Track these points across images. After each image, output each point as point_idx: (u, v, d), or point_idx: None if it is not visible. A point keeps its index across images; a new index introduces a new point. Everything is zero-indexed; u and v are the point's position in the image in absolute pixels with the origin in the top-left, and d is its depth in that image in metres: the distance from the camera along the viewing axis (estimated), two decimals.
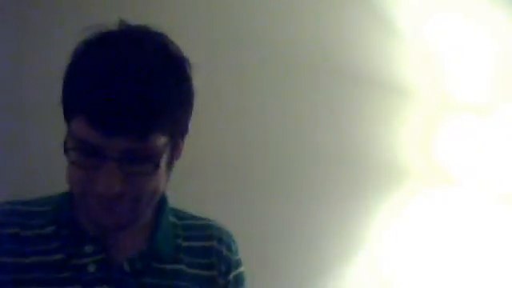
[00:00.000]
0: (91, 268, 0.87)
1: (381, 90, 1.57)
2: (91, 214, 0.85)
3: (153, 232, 0.93)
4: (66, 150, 0.81)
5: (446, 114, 1.55)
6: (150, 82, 0.79)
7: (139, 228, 0.92)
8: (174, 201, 0.99)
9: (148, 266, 0.90)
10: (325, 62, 1.57)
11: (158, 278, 0.90)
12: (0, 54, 1.47)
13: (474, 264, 1.51)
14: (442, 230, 1.54)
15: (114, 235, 0.90)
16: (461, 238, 1.52)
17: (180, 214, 1.00)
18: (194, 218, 1.01)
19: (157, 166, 0.82)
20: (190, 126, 0.90)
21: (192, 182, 1.38)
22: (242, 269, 1.02)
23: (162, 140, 0.81)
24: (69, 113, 0.82)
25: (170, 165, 0.87)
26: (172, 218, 0.98)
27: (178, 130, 0.86)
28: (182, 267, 0.93)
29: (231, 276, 0.98)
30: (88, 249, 0.88)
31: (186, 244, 0.96)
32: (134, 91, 0.77)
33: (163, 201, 0.96)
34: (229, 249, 1.00)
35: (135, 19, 0.87)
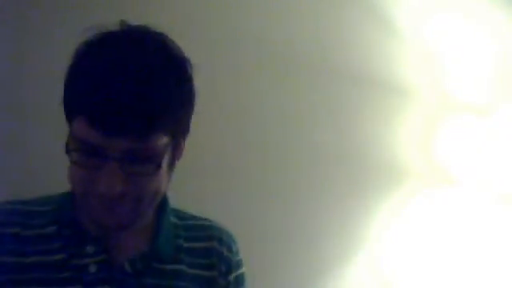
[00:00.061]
0: (92, 268, 0.87)
1: (381, 90, 1.57)
2: (93, 214, 0.85)
3: (154, 233, 0.93)
4: (67, 151, 0.81)
5: (446, 114, 1.55)
6: (151, 82, 0.79)
7: (140, 228, 0.92)
8: (174, 201, 0.99)
9: (149, 267, 0.90)
10: (324, 61, 1.57)
11: (158, 278, 0.91)
12: (0, 54, 1.47)
13: (474, 264, 1.51)
14: (442, 230, 1.54)
15: (116, 235, 0.90)
16: (461, 238, 1.52)
17: (181, 215, 1.00)
18: (194, 218, 1.01)
19: (158, 166, 0.82)
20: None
21: (192, 182, 1.38)
22: (242, 269, 1.02)
23: (163, 140, 0.81)
24: (70, 113, 0.82)
25: (171, 165, 0.87)
26: (173, 219, 0.98)
27: (179, 130, 0.86)
28: (183, 267, 0.93)
29: (232, 276, 0.98)
30: (89, 249, 0.88)
31: (186, 244, 0.96)
32: (135, 91, 0.77)
33: (164, 201, 0.96)
34: (229, 249, 1.00)
35: (135, 19, 0.87)
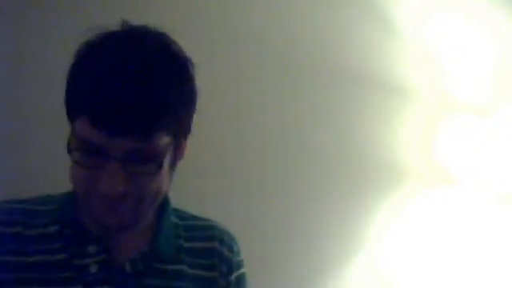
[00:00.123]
0: (93, 268, 0.87)
1: (381, 90, 1.57)
2: (94, 213, 0.85)
3: (155, 233, 0.93)
4: (69, 150, 0.82)
5: (446, 114, 1.55)
6: (153, 82, 0.79)
7: (141, 229, 0.92)
8: (174, 201, 0.99)
9: (149, 267, 0.90)
10: (324, 61, 1.57)
11: (159, 278, 0.91)
12: (0, 54, 1.47)
13: (474, 264, 1.51)
14: (441, 230, 1.54)
15: (117, 235, 0.90)
16: (461, 238, 1.52)
17: (182, 215, 1.00)
18: (195, 218, 1.01)
19: (160, 166, 0.82)
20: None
21: (192, 182, 1.38)
22: (243, 270, 1.02)
23: (165, 140, 0.81)
24: (72, 113, 0.82)
25: (173, 165, 0.88)
26: (174, 219, 0.98)
27: (181, 130, 0.86)
28: (184, 268, 0.93)
29: (232, 277, 0.98)
30: (91, 249, 0.88)
31: (187, 245, 0.96)
32: (136, 91, 0.77)
33: (165, 202, 0.97)
34: (230, 250, 1.00)
35: (135, 19, 0.87)
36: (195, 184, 1.43)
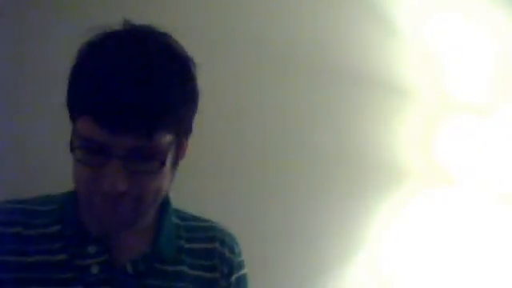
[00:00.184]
0: (94, 269, 0.87)
1: (381, 90, 1.57)
2: (95, 212, 0.85)
3: (156, 233, 0.93)
4: (72, 149, 0.82)
5: (446, 114, 1.55)
6: (155, 80, 0.80)
7: (142, 229, 0.92)
8: (174, 201, 0.99)
9: (150, 268, 0.90)
10: (324, 62, 1.57)
11: (160, 279, 0.91)
12: (0, 54, 1.47)
13: (474, 264, 1.51)
14: (441, 230, 1.54)
15: (117, 235, 0.90)
16: (461, 238, 1.52)
17: (183, 215, 1.00)
18: (196, 219, 1.01)
19: (162, 163, 0.82)
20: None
21: (192, 182, 1.38)
22: (244, 271, 1.02)
23: (167, 138, 0.82)
24: (74, 112, 0.83)
25: (174, 164, 0.88)
26: (175, 219, 0.98)
27: (182, 129, 0.86)
28: (184, 269, 0.93)
29: (233, 278, 0.98)
30: (91, 249, 0.88)
31: (188, 245, 0.96)
32: (138, 90, 0.78)
33: (166, 202, 0.97)
34: (231, 251, 1.00)
35: (135, 19, 0.87)
36: (195, 184, 1.43)
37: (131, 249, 0.90)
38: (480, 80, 1.56)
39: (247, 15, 1.56)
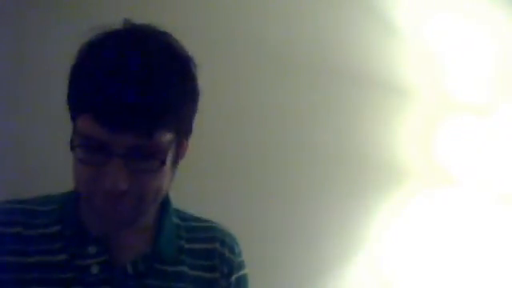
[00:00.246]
0: (94, 269, 0.87)
1: (381, 90, 1.57)
2: (96, 211, 0.85)
3: (156, 234, 0.93)
4: (72, 148, 0.82)
5: (446, 114, 1.55)
6: (155, 79, 0.80)
7: (142, 229, 0.92)
8: (174, 201, 0.99)
9: (150, 268, 0.90)
10: (324, 62, 1.57)
11: (160, 279, 0.90)
12: (0, 54, 1.47)
13: (474, 264, 1.51)
14: (442, 230, 1.54)
15: (117, 235, 0.90)
16: (461, 238, 1.52)
17: (183, 216, 1.00)
18: (197, 219, 1.01)
19: (163, 162, 0.82)
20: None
21: (192, 182, 1.38)
22: (244, 271, 1.02)
23: (167, 137, 0.82)
24: (75, 111, 0.83)
25: (174, 164, 0.88)
26: (175, 220, 0.98)
27: (182, 128, 0.86)
28: (184, 269, 0.93)
29: (233, 278, 0.98)
30: (91, 250, 0.88)
31: (188, 246, 0.96)
32: (138, 88, 0.78)
33: (167, 202, 0.97)
34: (231, 251, 0.99)
35: (135, 19, 0.87)
36: (195, 184, 1.43)
37: (131, 249, 0.90)
38: (480, 80, 1.56)
39: (247, 15, 1.56)
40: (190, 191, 1.28)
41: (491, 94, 1.55)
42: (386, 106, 1.57)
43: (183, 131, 0.87)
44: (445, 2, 1.57)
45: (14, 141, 1.45)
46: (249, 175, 1.55)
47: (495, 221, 1.52)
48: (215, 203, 1.36)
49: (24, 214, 0.90)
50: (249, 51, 1.55)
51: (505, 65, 1.55)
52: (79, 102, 0.82)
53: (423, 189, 1.56)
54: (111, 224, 0.87)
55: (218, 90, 1.48)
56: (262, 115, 1.56)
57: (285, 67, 1.56)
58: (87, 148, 0.81)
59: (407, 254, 1.56)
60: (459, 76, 1.57)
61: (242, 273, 1.01)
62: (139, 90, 0.78)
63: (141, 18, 0.87)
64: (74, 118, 0.83)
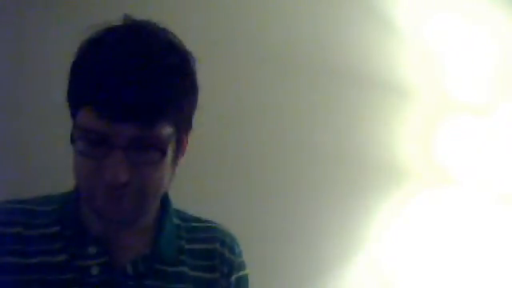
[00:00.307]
0: (94, 270, 0.87)
1: (380, 90, 1.57)
2: (96, 212, 0.85)
3: (156, 234, 0.93)
4: (72, 140, 0.82)
5: (446, 114, 1.55)
6: (156, 70, 0.80)
7: (142, 229, 0.92)
8: (174, 201, 0.99)
9: (150, 269, 0.90)
10: (324, 62, 1.57)
11: (160, 280, 0.90)
12: (0, 54, 1.47)
13: (474, 264, 1.51)
14: (441, 230, 1.54)
15: (117, 235, 0.90)
16: (461, 238, 1.52)
17: (183, 216, 1.00)
18: (197, 220, 1.01)
19: (163, 153, 0.82)
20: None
21: (192, 182, 1.38)
22: (245, 271, 1.02)
23: (167, 130, 0.82)
24: (75, 105, 0.83)
25: (175, 160, 0.88)
26: (176, 220, 0.98)
27: (182, 122, 0.87)
28: (185, 269, 0.93)
29: (233, 278, 0.98)
30: (91, 250, 0.88)
31: (188, 246, 0.96)
32: (139, 79, 0.78)
33: (167, 202, 0.97)
34: (232, 251, 0.99)
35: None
36: (195, 184, 1.43)
37: (131, 249, 0.90)
38: (480, 80, 1.56)
39: (247, 15, 1.56)
40: (190, 191, 1.28)
41: (491, 94, 1.55)
42: (386, 105, 1.58)
43: (183, 126, 0.88)
44: (445, 1, 1.57)
45: (14, 141, 1.45)
46: (249, 175, 1.55)
47: (495, 221, 1.52)
48: (215, 203, 1.36)
49: (24, 214, 0.90)
50: (249, 51, 1.55)
51: (505, 65, 1.55)
52: (79, 95, 0.82)
53: (423, 189, 1.56)
54: (112, 224, 0.87)
55: (218, 90, 1.48)
56: (262, 115, 1.56)
57: (285, 67, 1.56)
58: (88, 141, 0.81)
59: (407, 254, 1.56)
60: (459, 76, 1.57)
61: (242, 273, 1.01)
62: (139, 81, 0.78)
63: (141, 17, 0.87)
64: (74, 115, 0.83)
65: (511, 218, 1.52)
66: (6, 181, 1.42)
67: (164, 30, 0.87)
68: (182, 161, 0.91)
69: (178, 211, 1.00)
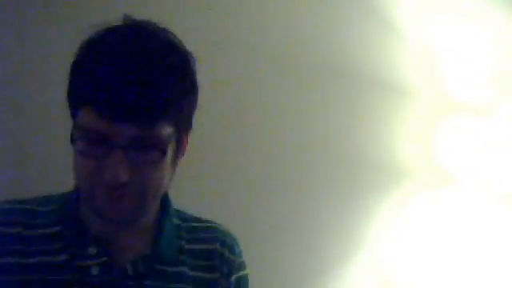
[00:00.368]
0: (94, 271, 0.87)
1: (380, 90, 1.57)
2: (96, 212, 0.85)
3: (156, 234, 0.93)
4: (72, 140, 0.82)
5: (446, 114, 1.55)
6: (156, 70, 0.80)
7: (142, 230, 0.92)
8: (174, 201, 0.99)
9: (150, 269, 0.90)
10: (324, 62, 1.57)
11: (160, 280, 0.90)
12: (0, 54, 1.47)
13: (475, 264, 1.51)
14: (441, 230, 1.54)
15: (117, 235, 0.90)
16: (461, 238, 1.52)
17: (184, 216, 1.00)
18: (197, 220, 1.01)
19: (163, 153, 0.82)
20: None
21: (192, 182, 1.38)
22: (245, 272, 1.02)
23: (167, 130, 0.82)
24: (75, 105, 0.83)
25: (175, 159, 0.88)
26: (176, 220, 0.97)
27: (182, 122, 0.87)
28: (185, 270, 0.93)
29: (233, 278, 0.98)
30: (91, 250, 0.87)
31: (188, 246, 0.96)
32: (139, 80, 0.78)
33: (167, 202, 0.97)
34: (232, 251, 0.99)
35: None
36: (195, 184, 1.43)
37: (131, 250, 0.90)
38: (480, 80, 1.56)
39: (247, 15, 1.56)
40: (190, 191, 1.28)
41: (491, 93, 1.55)
42: (386, 105, 1.58)
43: (183, 126, 0.88)
44: (445, 2, 1.57)
45: (14, 141, 1.45)
46: (249, 175, 1.55)
47: (495, 221, 1.52)
48: (215, 203, 1.36)
49: (24, 215, 0.90)
50: (249, 51, 1.55)
51: (505, 65, 1.55)
52: (80, 95, 0.82)
53: (423, 189, 1.56)
54: (112, 224, 0.87)
55: (218, 90, 1.48)
56: (261, 115, 1.56)
57: (285, 67, 1.56)
58: (88, 141, 0.81)
59: (407, 254, 1.56)
60: (459, 76, 1.57)
61: (242, 273, 1.01)
62: (139, 81, 0.78)
63: (141, 18, 0.87)
64: (74, 115, 0.83)
65: (511, 218, 1.52)
66: (5, 181, 1.42)
67: (164, 30, 0.87)
68: (182, 161, 0.91)
69: (178, 211, 1.00)
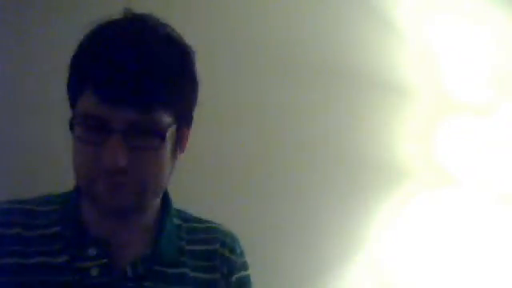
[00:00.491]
0: (94, 272, 0.87)
1: (380, 90, 1.57)
2: (96, 195, 0.84)
3: (157, 235, 0.93)
4: (71, 126, 0.82)
5: (446, 114, 1.55)
6: (155, 58, 0.81)
7: (143, 230, 0.92)
8: (174, 201, 0.99)
9: (150, 270, 0.90)
10: (324, 62, 1.57)
11: (160, 281, 0.90)
12: (0, 54, 1.46)
13: (475, 264, 1.51)
14: (441, 230, 1.54)
15: (117, 235, 0.89)
16: (461, 238, 1.52)
17: (184, 216, 1.00)
18: (198, 220, 1.01)
19: (162, 139, 0.82)
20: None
21: (192, 182, 1.38)
22: (246, 272, 1.02)
23: (166, 118, 0.83)
24: (76, 91, 0.83)
25: (174, 153, 0.88)
26: (176, 221, 0.97)
27: (182, 113, 0.87)
28: (185, 271, 0.93)
29: (234, 278, 0.98)
30: (91, 251, 0.87)
31: (189, 247, 0.96)
32: (139, 65, 0.79)
33: (167, 203, 0.97)
34: (232, 251, 0.99)
35: None
36: (195, 184, 1.43)
37: (131, 250, 0.90)
38: (480, 80, 1.56)
39: (247, 15, 1.56)
40: (190, 191, 1.28)
41: (491, 93, 1.55)
42: (386, 105, 1.57)
43: (183, 118, 0.88)
44: (445, 2, 1.57)
45: (14, 141, 1.45)
46: (249, 175, 1.55)
47: (495, 221, 1.52)
48: (215, 203, 1.36)
49: (23, 215, 0.90)
50: (249, 51, 1.55)
51: (505, 65, 1.55)
52: (80, 81, 0.82)
53: (423, 189, 1.56)
54: (111, 216, 0.87)
55: (218, 90, 1.48)
56: (261, 115, 1.56)
57: (285, 67, 1.56)
58: (86, 127, 0.81)
59: (407, 254, 1.56)
60: (459, 76, 1.57)
61: (243, 273, 1.01)
62: (139, 67, 0.79)
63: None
64: (73, 105, 0.84)
65: (511, 218, 1.52)
66: (5, 181, 1.42)
67: (164, 24, 0.88)
68: (182, 160, 0.91)
69: (178, 211, 1.00)
